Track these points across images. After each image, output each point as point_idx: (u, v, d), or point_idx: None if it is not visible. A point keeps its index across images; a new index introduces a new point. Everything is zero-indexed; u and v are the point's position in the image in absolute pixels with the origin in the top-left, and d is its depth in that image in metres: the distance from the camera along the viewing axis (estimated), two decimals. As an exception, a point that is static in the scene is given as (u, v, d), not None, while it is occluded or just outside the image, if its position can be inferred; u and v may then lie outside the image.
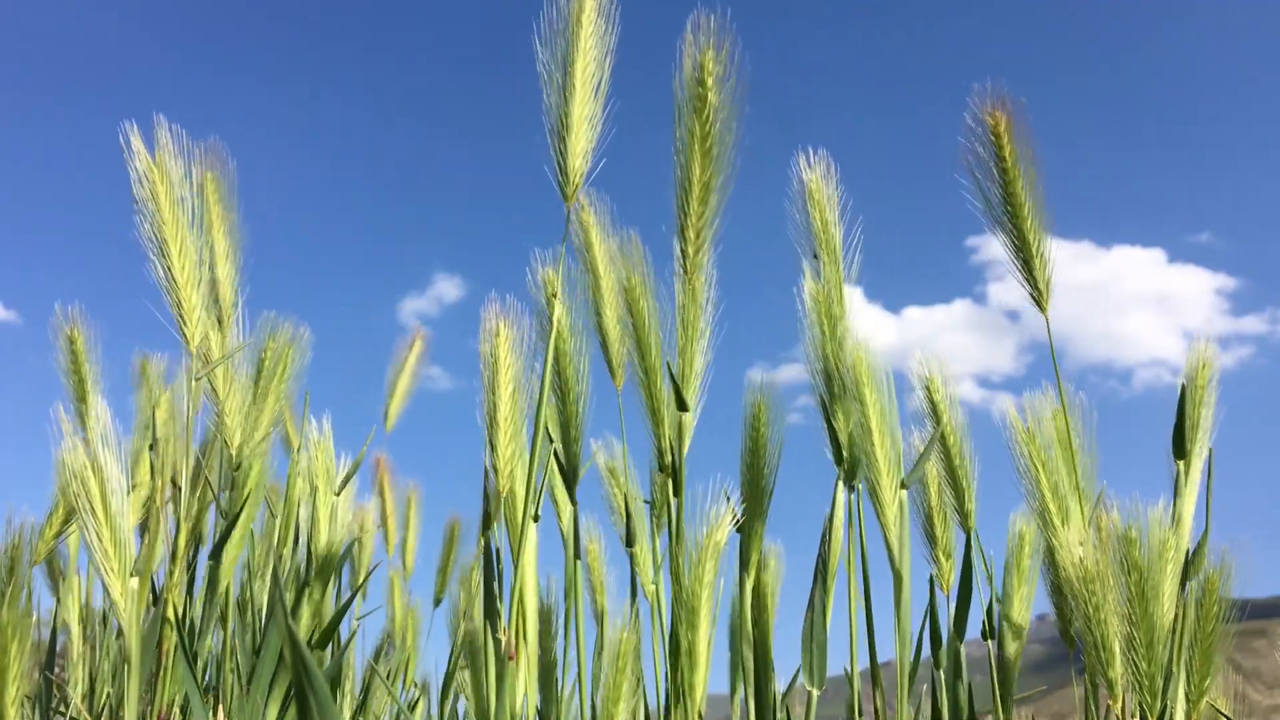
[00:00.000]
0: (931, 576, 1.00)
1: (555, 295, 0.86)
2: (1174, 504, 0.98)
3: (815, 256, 0.96)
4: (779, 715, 0.98)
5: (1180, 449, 0.98)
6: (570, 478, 0.91)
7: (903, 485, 0.91)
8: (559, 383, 0.89)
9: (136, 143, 0.85)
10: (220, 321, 0.91)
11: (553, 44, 0.81)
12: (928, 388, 0.99)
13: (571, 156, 0.81)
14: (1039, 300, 0.93)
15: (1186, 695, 0.81)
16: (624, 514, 1.01)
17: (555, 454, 0.89)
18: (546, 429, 0.84)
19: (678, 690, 0.84)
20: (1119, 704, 0.80)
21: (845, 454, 0.93)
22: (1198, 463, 0.98)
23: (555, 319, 0.85)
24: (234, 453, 0.93)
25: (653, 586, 0.97)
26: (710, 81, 0.83)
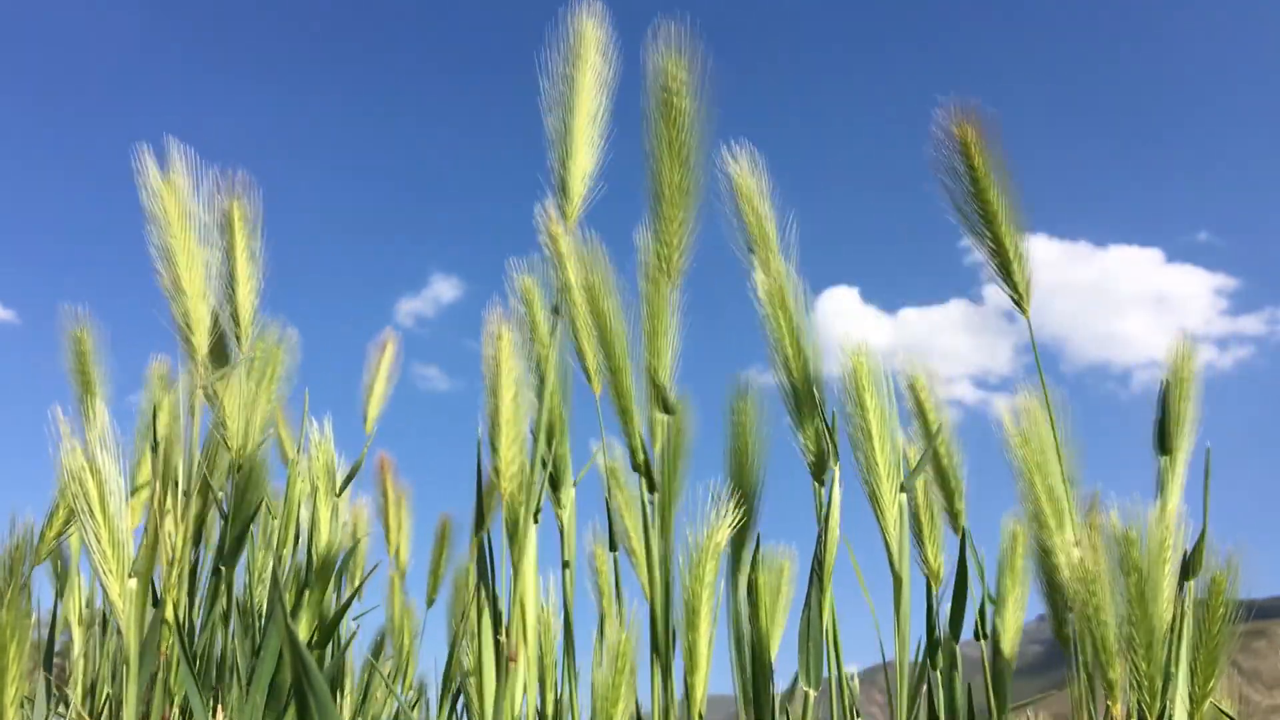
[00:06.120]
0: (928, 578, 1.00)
1: (557, 307, 0.84)
2: (1160, 500, 0.97)
3: (751, 251, 0.95)
4: (777, 716, 0.98)
5: (1164, 444, 0.98)
6: (555, 485, 0.91)
7: (902, 488, 0.91)
8: (540, 390, 0.88)
9: (148, 160, 0.89)
10: (239, 339, 0.96)
11: (555, 77, 0.80)
12: (913, 387, 0.99)
13: (573, 180, 0.80)
14: (1020, 302, 0.93)
15: (1190, 696, 0.81)
16: (622, 516, 1.01)
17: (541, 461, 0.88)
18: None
19: (666, 692, 0.83)
20: (1119, 705, 0.80)
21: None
22: (1182, 458, 0.98)
23: (543, 327, 0.84)
24: (233, 454, 0.95)
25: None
26: (677, 86, 0.81)
